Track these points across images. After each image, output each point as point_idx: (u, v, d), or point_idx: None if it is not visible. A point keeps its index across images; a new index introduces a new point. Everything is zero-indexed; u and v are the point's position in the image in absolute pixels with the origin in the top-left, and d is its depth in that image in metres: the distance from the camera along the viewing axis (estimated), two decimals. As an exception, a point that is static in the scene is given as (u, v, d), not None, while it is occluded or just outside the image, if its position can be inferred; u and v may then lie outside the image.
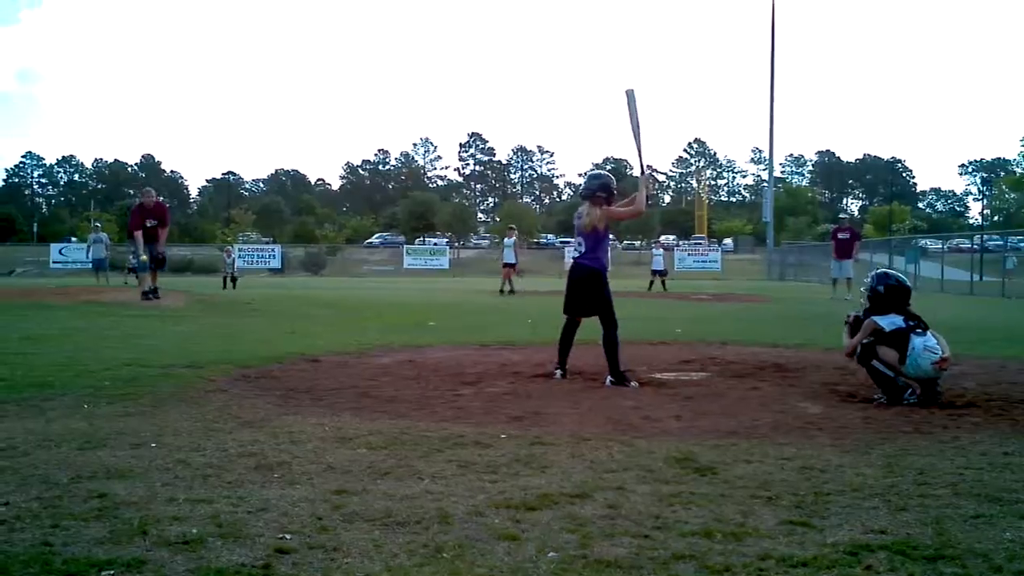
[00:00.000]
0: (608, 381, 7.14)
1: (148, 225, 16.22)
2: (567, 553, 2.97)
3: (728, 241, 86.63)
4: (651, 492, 3.75)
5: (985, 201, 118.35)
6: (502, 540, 3.10)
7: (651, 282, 30.56)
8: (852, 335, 6.63)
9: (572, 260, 7.67)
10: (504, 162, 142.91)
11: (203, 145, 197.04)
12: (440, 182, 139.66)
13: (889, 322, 6.39)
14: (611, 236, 7.62)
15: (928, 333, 6.33)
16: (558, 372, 7.51)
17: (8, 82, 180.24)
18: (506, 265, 24.99)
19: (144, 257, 16.22)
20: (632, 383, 7.09)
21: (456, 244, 79.51)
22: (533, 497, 3.63)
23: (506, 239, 26.01)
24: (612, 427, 5.34)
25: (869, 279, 6.73)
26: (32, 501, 3.53)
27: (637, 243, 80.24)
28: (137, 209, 16.66)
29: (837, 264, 23.72)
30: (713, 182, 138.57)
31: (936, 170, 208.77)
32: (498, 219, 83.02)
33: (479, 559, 2.91)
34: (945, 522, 3.34)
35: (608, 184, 7.57)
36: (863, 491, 3.79)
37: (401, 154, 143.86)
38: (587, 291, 7.51)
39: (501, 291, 24.18)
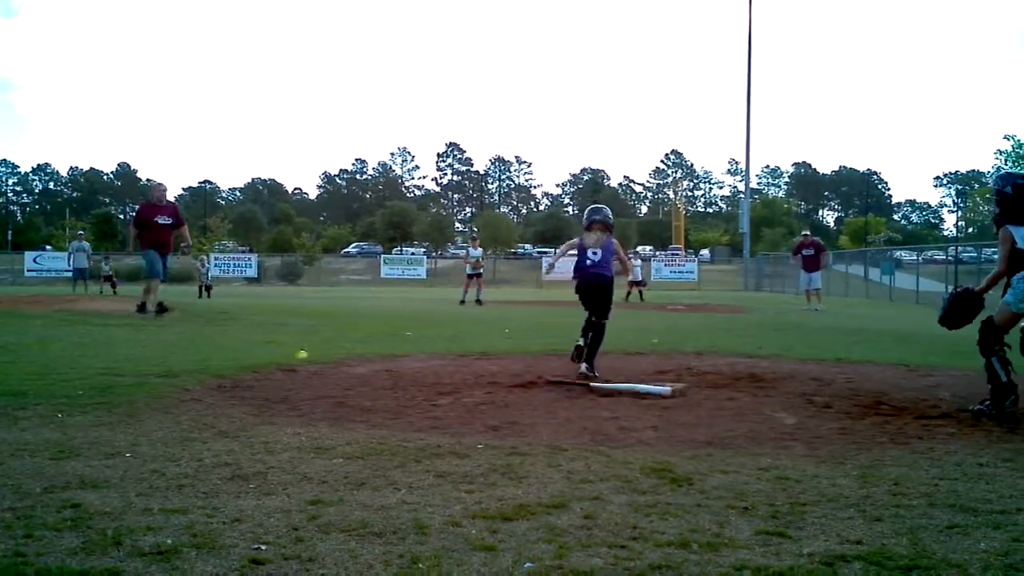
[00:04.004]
0: (583, 368, 8.04)
1: (160, 222, 14.46)
2: (543, 563, 2.96)
3: (705, 252, 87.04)
4: (627, 502, 3.76)
5: (960, 213, 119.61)
6: (478, 551, 3.09)
7: (628, 292, 30.62)
8: (956, 307, 6.34)
9: (586, 265, 8.57)
10: (482, 172, 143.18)
11: (179, 153, 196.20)
12: (417, 192, 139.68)
13: (1023, 236, 5.93)
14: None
15: None
16: (581, 340, 8.45)
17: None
18: (474, 275, 24.90)
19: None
20: (598, 374, 8.01)
21: (433, 254, 79.35)
22: (510, 507, 3.63)
23: (472, 249, 26.03)
24: (589, 437, 5.35)
25: (993, 183, 6.23)
26: (5, 511, 3.49)
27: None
28: (146, 207, 14.84)
29: (806, 277, 24.10)
30: (690, 193, 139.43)
31: (911, 182, 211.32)
32: (475, 228, 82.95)
33: (455, 570, 2.91)
34: (920, 532, 3.37)
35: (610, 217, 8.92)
36: (839, 501, 3.82)
37: (379, 164, 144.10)
38: (601, 297, 8.61)
39: (463, 301, 24.14)
